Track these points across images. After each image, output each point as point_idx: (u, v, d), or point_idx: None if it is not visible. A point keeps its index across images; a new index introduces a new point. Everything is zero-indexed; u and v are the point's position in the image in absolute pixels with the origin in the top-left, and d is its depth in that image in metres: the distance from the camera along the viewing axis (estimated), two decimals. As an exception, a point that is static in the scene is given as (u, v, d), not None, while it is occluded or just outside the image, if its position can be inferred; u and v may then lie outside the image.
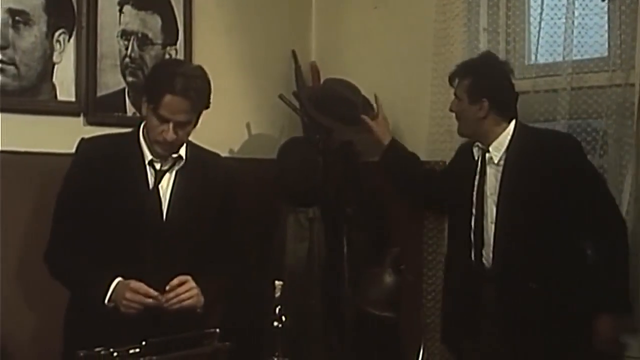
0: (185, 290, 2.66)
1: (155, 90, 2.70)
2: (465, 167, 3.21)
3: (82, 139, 2.88)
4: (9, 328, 3.11)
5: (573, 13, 3.31)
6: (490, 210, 3.09)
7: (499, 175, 3.08)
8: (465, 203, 3.17)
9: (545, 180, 2.99)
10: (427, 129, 3.72)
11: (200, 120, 3.31)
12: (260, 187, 3.98)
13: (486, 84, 3.11)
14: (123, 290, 2.62)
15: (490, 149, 3.10)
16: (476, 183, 3.14)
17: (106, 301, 2.64)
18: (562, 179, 2.97)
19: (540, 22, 3.42)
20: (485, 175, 3.12)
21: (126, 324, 2.60)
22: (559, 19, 3.38)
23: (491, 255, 3.07)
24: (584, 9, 3.32)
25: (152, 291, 2.62)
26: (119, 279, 2.66)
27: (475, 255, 3.12)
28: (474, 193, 3.14)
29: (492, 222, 3.08)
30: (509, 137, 3.09)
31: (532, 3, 3.56)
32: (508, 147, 3.08)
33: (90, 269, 2.71)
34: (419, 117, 3.76)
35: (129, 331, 2.48)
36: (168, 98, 2.66)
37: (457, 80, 3.19)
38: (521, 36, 3.60)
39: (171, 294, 2.64)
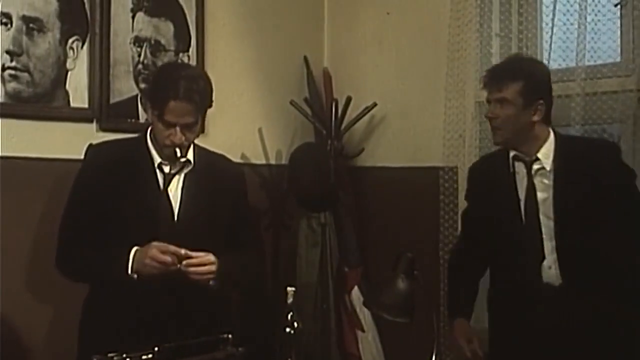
0: (204, 255, 2.67)
1: (159, 98, 2.71)
2: (498, 183, 2.96)
3: (90, 145, 2.89)
4: (16, 333, 3.14)
5: (585, 18, 3.29)
6: (547, 224, 2.84)
7: (550, 186, 2.84)
8: (510, 220, 2.90)
9: (597, 188, 2.77)
10: (442, 134, 3.70)
11: (212, 126, 3.36)
12: (272, 193, 4.00)
13: (542, 84, 2.88)
14: (144, 253, 2.63)
15: (540, 157, 2.85)
16: (522, 197, 2.89)
17: (129, 271, 2.64)
18: (611, 186, 2.78)
19: (552, 28, 3.40)
20: (534, 187, 2.87)
21: (144, 327, 2.62)
22: (572, 24, 3.36)
23: (555, 271, 2.84)
24: (596, 14, 3.30)
25: (172, 247, 2.63)
26: (136, 247, 2.67)
27: (534, 274, 2.86)
28: (523, 208, 2.88)
29: (550, 238, 2.84)
30: (553, 144, 2.87)
31: (544, 9, 3.55)
32: (554, 155, 2.85)
33: (106, 252, 2.72)
34: (433, 122, 3.76)
35: (144, 336, 2.50)
36: (172, 104, 2.67)
37: (500, 84, 2.87)
38: (533, 42, 3.57)
39: (193, 259, 2.65)
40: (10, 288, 3.12)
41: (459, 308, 3.12)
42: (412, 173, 3.86)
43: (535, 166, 2.86)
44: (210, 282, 2.71)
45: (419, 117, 3.87)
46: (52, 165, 3.22)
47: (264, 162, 4.02)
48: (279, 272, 3.89)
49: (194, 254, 2.66)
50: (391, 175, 3.95)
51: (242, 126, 3.93)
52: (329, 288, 3.74)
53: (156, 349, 2.23)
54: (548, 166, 2.84)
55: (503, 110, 2.85)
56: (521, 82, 2.82)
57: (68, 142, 3.26)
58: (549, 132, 2.89)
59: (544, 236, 2.84)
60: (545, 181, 2.86)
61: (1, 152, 3.12)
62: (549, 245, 2.83)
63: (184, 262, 2.64)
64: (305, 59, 4.14)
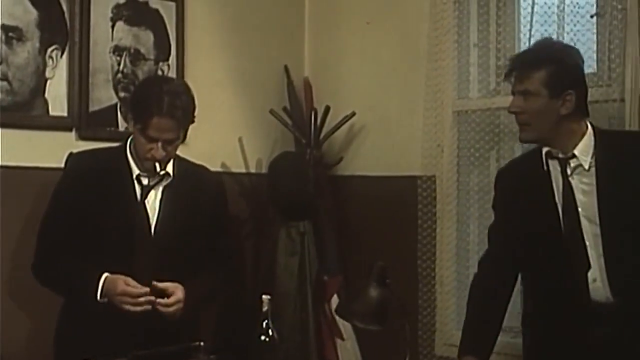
0: (172, 296, 2.70)
1: (142, 112, 2.73)
2: (531, 185, 2.68)
3: (71, 153, 2.92)
4: (5, 339, 3.14)
5: (563, 28, 3.32)
6: (590, 230, 2.55)
7: (593, 185, 2.55)
8: (547, 226, 2.62)
9: None
10: (420, 143, 3.73)
11: (192, 135, 3.36)
12: (252, 201, 4.01)
13: (571, 72, 2.58)
14: (114, 285, 2.65)
15: (577, 153, 2.56)
16: (559, 199, 2.60)
17: (98, 298, 2.67)
18: None
19: (530, 39, 3.42)
20: (572, 188, 2.58)
21: (117, 334, 2.64)
22: (550, 35, 3.38)
23: (602, 285, 2.54)
24: (575, 24, 3.32)
25: (140, 289, 2.65)
26: (106, 274, 2.69)
27: (578, 289, 2.55)
28: (560, 212, 2.59)
29: (594, 246, 2.54)
30: (593, 139, 2.57)
31: (521, 19, 3.58)
32: (594, 152, 2.56)
33: (80, 270, 2.75)
34: (412, 131, 3.78)
35: (120, 342, 2.52)
36: (155, 120, 2.70)
37: (522, 75, 2.59)
38: (511, 52, 3.58)
39: (162, 302, 2.67)
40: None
41: (471, 345, 2.73)
42: (391, 182, 3.88)
43: (572, 164, 2.58)
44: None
45: (398, 127, 3.89)
46: (32, 174, 3.22)
47: (244, 170, 4.03)
48: (259, 281, 3.90)
49: (162, 285, 2.68)
50: (370, 184, 3.97)
51: (223, 135, 3.94)
52: (308, 297, 3.75)
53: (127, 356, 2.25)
54: (586, 164, 2.55)
55: (528, 104, 2.56)
56: (545, 71, 2.53)
57: (47, 150, 3.27)
58: (586, 126, 2.60)
59: (587, 244, 2.55)
60: (585, 180, 2.57)
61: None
62: (593, 255, 2.54)
63: (151, 298, 2.66)
64: (286, 68, 4.15)
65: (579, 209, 2.57)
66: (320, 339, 3.81)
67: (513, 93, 2.63)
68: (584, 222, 2.56)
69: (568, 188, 2.58)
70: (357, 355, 3.86)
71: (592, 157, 2.56)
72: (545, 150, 2.63)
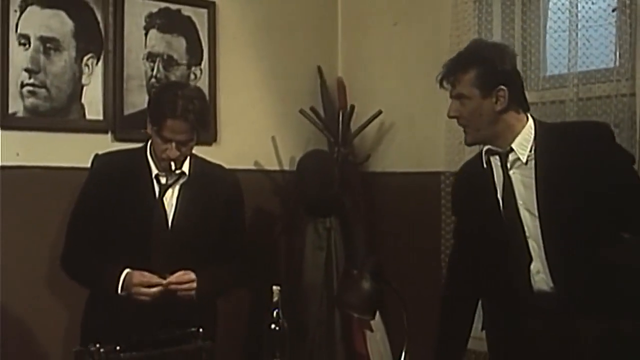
0: (184, 275, 2.89)
1: (158, 115, 2.93)
2: (476, 184, 2.71)
3: (96, 155, 3.12)
4: (33, 339, 3.40)
5: (576, 25, 3.33)
6: (530, 223, 2.56)
7: (532, 178, 2.54)
8: (491, 222, 2.64)
9: (587, 177, 2.47)
10: (443, 140, 3.78)
11: (227, 134, 3.53)
12: (285, 198, 4.15)
13: (500, 69, 2.56)
14: (131, 278, 2.86)
15: (515, 147, 2.56)
16: (500, 194, 2.61)
17: (119, 291, 2.88)
18: (604, 173, 2.48)
19: (544, 35, 3.46)
20: (511, 181, 2.58)
21: (134, 324, 2.78)
22: (563, 31, 3.41)
23: (545, 277, 2.54)
24: (587, 20, 3.33)
25: (155, 279, 2.85)
26: (127, 269, 2.89)
27: (521, 281, 2.57)
28: (502, 207, 2.61)
29: (535, 237, 2.55)
30: (532, 132, 2.57)
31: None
32: (534, 145, 2.56)
33: (103, 266, 2.95)
34: (436, 129, 3.83)
35: (137, 331, 2.68)
36: (170, 122, 2.88)
37: (453, 79, 2.61)
38: (537, 48, 3.61)
39: (172, 278, 2.87)
40: (29, 293, 3.37)
41: (444, 355, 2.83)
42: (416, 178, 3.98)
43: (511, 157, 2.59)
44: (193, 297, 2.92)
45: (423, 124, 3.98)
46: (70, 174, 3.40)
47: (277, 168, 4.17)
48: (288, 274, 4.04)
49: (174, 276, 2.88)
50: (396, 180, 4.07)
51: (256, 135, 4.09)
52: (334, 290, 3.86)
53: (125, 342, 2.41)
54: (524, 157, 2.55)
55: (464, 107, 2.59)
56: (473, 72, 2.55)
57: (85, 152, 3.36)
58: (526, 120, 2.60)
59: (527, 235, 2.55)
60: (525, 173, 2.57)
61: (23, 162, 3.38)
62: (534, 246, 2.54)
63: (165, 282, 2.86)
64: (319, 68, 4.27)
65: (519, 202, 2.57)
66: (349, 330, 3.92)
67: (451, 97, 2.65)
68: (524, 215, 2.57)
69: (508, 182, 2.59)
70: (386, 347, 3.95)
71: (531, 150, 2.56)
72: (485, 148, 2.66)
